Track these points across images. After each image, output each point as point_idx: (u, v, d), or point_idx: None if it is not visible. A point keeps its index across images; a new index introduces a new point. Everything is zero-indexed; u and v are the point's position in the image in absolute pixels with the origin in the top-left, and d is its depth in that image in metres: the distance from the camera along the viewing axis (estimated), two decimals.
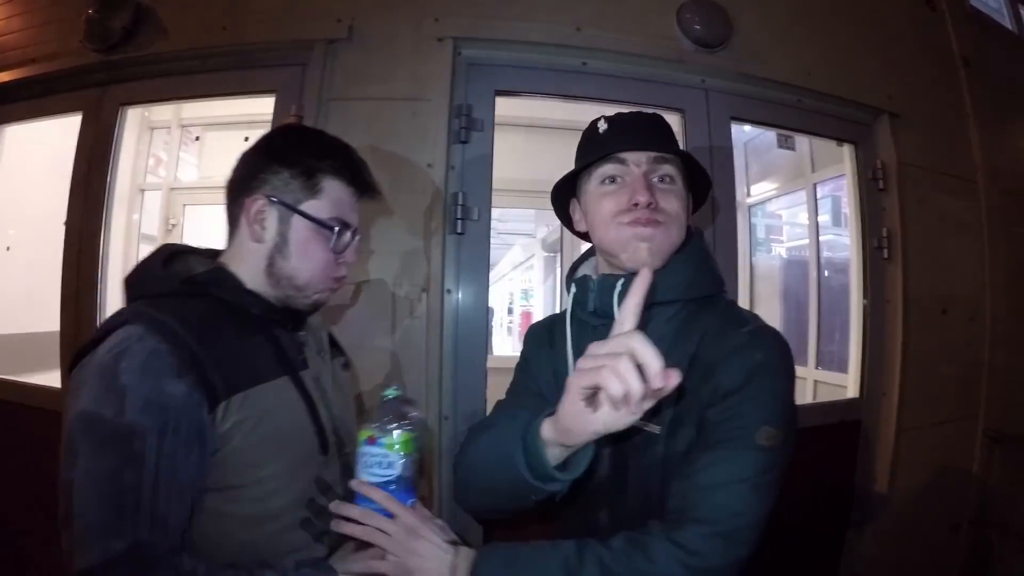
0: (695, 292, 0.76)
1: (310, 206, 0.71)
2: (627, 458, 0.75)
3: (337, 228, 0.72)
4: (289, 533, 0.67)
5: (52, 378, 1.59)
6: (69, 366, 0.64)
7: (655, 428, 0.72)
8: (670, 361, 0.58)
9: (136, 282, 0.70)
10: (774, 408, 0.66)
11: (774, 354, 0.69)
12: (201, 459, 0.60)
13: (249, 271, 0.73)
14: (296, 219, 0.71)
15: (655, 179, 0.74)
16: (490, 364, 1.40)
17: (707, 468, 0.65)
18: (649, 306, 0.68)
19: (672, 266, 0.75)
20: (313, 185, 0.72)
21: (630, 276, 0.72)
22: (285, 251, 0.71)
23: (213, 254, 0.77)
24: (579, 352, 0.71)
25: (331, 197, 0.73)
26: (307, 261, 0.72)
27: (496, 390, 1.40)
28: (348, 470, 0.74)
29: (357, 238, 0.77)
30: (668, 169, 0.75)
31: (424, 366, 1.30)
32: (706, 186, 0.82)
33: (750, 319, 0.74)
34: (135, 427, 0.56)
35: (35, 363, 1.87)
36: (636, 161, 0.74)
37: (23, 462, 1.60)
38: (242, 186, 0.72)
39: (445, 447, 1.34)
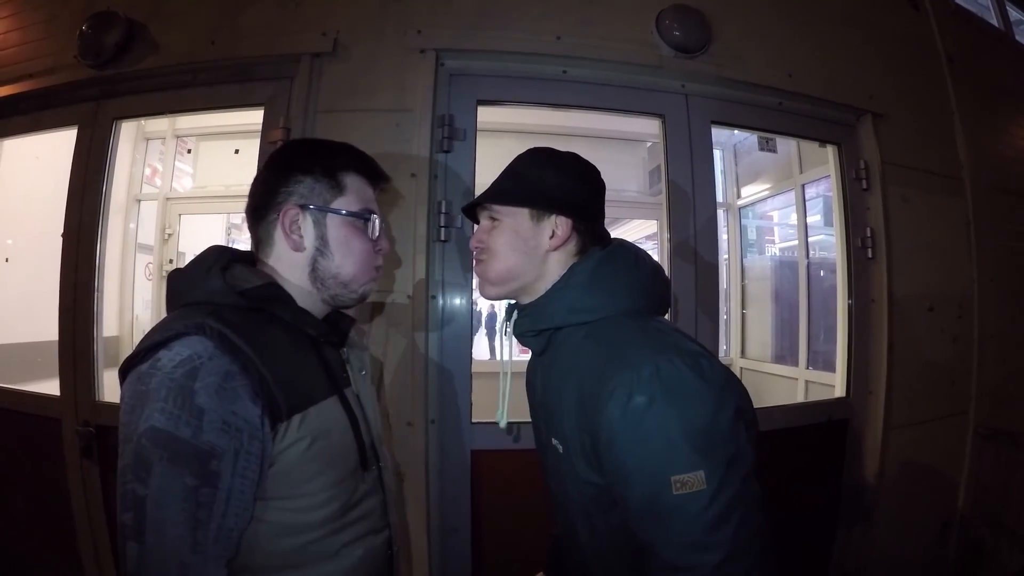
0: (578, 318, 0.73)
1: (340, 203, 0.75)
2: (549, 466, 0.79)
3: (371, 217, 0.77)
4: (318, 544, 0.68)
5: (51, 386, 1.63)
6: (122, 370, 0.64)
7: (558, 445, 0.73)
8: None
9: (187, 286, 0.69)
10: (679, 448, 0.59)
11: (659, 392, 0.60)
12: (261, 475, 0.62)
13: (295, 284, 0.74)
14: (331, 219, 0.74)
15: (485, 222, 0.81)
16: (486, 369, 1.42)
17: (651, 549, 0.62)
18: (544, 330, 0.76)
19: (550, 293, 0.76)
20: (337, 184, 0.75)
21: (512, 305, 0.85)
22: (327, 252, 0.74)
23: (253, 260, 0.77)
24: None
25: (355, 190, 0.77)
26: (349, 256, 0.75)
27: (482, 395, 1.43)
28: (381, 483, 0.79)
29: (383, 225, 0.80)
30: (492, 211, 0.80)
31: (410, 371, 1.33)
32: (551, 199, 0.77)
33: (635, 362, 0.63)
34: (213, 448, 0.57)
35: (35, 372, 1.91)
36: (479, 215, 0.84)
37: (21, 468, 1.64)
38: (267, 203, 0.74)
39: (432, 451, 1.36)
